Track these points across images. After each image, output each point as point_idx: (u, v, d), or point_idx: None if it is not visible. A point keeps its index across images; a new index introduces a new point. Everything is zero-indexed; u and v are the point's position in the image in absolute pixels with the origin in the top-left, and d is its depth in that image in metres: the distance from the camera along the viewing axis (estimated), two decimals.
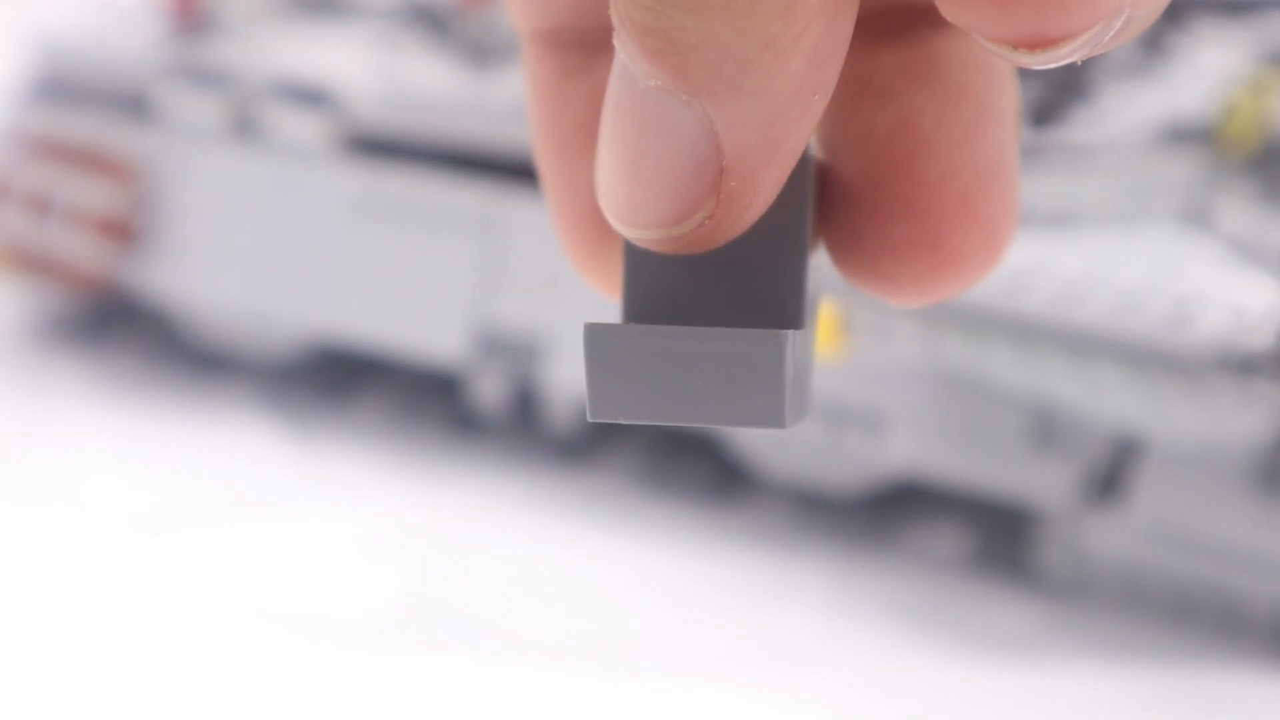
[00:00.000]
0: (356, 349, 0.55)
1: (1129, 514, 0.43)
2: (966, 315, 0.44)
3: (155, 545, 0.47)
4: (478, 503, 0.50)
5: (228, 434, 0.54)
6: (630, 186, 0.17)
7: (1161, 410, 0.42)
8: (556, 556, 0.48)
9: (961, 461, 0.45)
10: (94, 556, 0.46)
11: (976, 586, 0.46)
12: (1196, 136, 0.46)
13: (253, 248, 0.55)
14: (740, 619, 0.44)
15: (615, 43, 0.16)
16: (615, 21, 0.16)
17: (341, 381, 0.57)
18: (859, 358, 0.45)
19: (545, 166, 0.20)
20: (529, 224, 0.51)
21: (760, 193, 0.17)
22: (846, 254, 0.20)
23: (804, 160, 0.18)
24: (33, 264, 0.58)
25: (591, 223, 0.20)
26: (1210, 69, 0.48)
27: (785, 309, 0.18)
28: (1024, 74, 0.38)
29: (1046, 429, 0.44)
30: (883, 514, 0.48)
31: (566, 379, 0.51)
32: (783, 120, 0.16)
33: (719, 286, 0.18)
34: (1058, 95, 0.47)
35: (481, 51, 0.55)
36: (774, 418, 0.17)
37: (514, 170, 0.51)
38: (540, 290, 0.50)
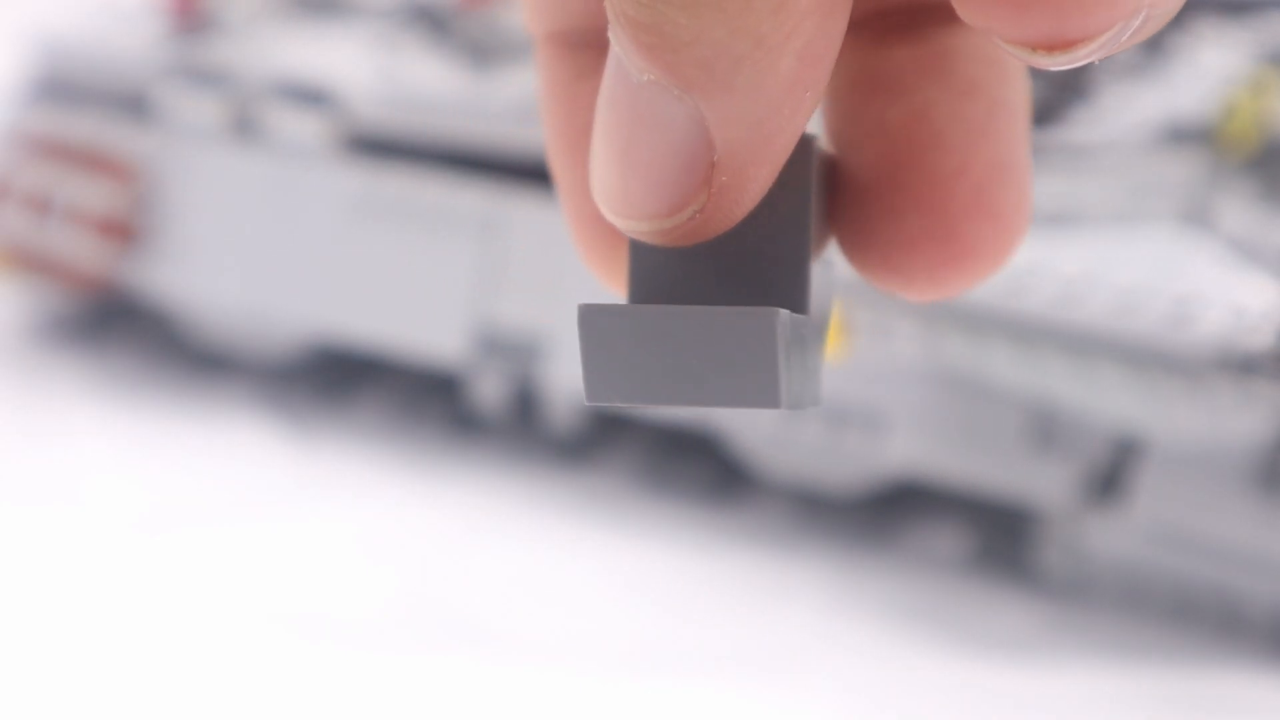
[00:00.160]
0: (356, 349, 0.55)
1: (1129, 514, 0.43)
2: (966, 315, 0.44)
3: (155, 545, 0.47)
4: (478, 503, 0.50)
5: (228, 434, 0.54)
6: (623, 179, 0.17)
7: (1161, 410, 0.42)
8: (556, 556, 0.48)
9: (961, 461, 0.45)
10: (94, 556, 0.46)
11: (976, 586, 0.46)
12: (1196, 136, 0.46)
13: (253, 248, 0.55)
14: (740, 619, 0.44)
15: (610, 37, 0.16)
16: (610, 16, 0.16)
17: (341, 381, 0.57)
18: (859, 358, 0.45)
19: (558, 167, 0.20)
20: (529, 224, 0.51)
21: (751, 188, 0.17)
22: (859, 248, 0.20)
23: (806, 150, 0.18)
24: (33, 264, 0.58)
25: (604, 223, 0.20)
26: (1210, 69, 0.48)
27: (787, 295, 0.18)
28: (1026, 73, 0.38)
29: (1046, 429, 0.44)
30: (883, 514, 0.48)
31: (566, 379, 0.51)
32: (774, 117, 0.16)
33: (721, 275, 0.18)
34: (1058, 95, 0.47)
35: (481, 51, 0.55)
36: (770, 398, 0.16)
37: (514, 170, 0.51)
38: (540, 290, 0.50)
